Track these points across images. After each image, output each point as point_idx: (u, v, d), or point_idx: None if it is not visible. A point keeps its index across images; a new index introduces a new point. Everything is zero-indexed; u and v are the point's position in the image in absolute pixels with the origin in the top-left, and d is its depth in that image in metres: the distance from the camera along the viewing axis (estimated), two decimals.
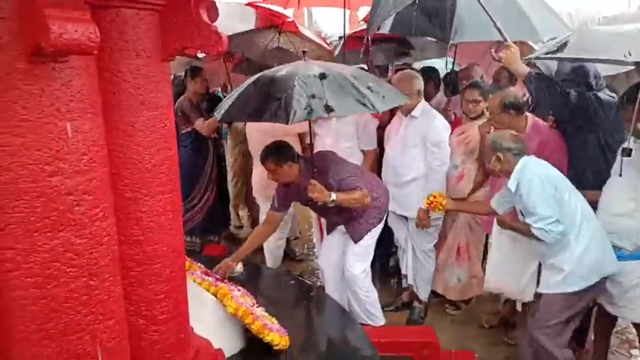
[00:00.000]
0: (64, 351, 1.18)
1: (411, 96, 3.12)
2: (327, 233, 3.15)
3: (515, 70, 2.72)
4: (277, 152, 2.75)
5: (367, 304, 3.07)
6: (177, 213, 1.51)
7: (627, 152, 2.27)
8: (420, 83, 3.22)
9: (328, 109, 2.34)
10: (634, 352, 3.15)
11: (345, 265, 3.02)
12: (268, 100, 2.47)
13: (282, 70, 2.60)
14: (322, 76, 2.45)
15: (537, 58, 2.93)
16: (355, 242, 2.97)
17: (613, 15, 6.56)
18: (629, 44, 1.94)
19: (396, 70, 4.39)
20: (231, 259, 2.71)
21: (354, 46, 4.08)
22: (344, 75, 2.51)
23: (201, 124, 3.97)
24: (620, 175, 2.33)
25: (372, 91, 2.49)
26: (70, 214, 1.12)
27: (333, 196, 2.70)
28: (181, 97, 4.04)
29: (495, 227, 2.75)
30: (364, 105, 2.42)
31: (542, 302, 2.46)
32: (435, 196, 2.93)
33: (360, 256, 3.02)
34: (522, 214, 2.43)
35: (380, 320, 3.15)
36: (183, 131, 4.01)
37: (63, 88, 1.05)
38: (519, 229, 2.49)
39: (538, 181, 2.33)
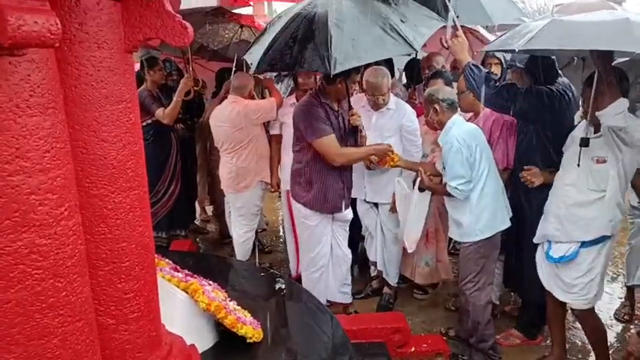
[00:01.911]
0: (30, 356, 1.14)
1: (387, 94, 3.20)
2: (311, 221, 3.10)
3: (459, 59, 2.80)
4: None
5: (345, 284, 3.31)
6: (146, 209, 1.47)
7: (585, 142, 2.36)
8: (389, 79, 3.26)
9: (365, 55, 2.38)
10: None
11: (341, 248, 3.21)
12: (305, 47, 2.45)
13: (313, 10, 2.59)
14: (357, 17, 2.47)
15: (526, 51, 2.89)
16: (347, 209, 3.13)
17: (566, 3, 6.80)
18: (630, 33, 1.95)
19: None
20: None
21: None
22: (380, 11, 2.51)
23: (162, 114, 3.88)
24: (579, 165, 2.43)
25: (406, 21, 2.53)
26: (34, 215, 1.08)
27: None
28: (139, 89, 3.93)
29: (416, 188, 3.03)
30: (405, 44, 2.46)
31: (459, 264, 2.87)
32: (391, 147, 3.04)
33: (346, 238, 3.21)
34: (444, 168, 2.73)
35: (349, 298, 3.38)
36: (144, 123, 3.90)
37: (21, 83, 1.00)
38: (435, 188, 2.86)
39: (457, 144, 2.62)
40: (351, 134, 2.98)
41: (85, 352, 1.23)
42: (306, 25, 2.63)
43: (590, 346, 3.11)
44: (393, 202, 3.31)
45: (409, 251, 3.22)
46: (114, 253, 1.38)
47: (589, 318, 2.62)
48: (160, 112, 3.89)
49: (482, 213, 2.68)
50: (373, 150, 3.00)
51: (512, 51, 2.33)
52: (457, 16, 2.73)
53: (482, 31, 4.23)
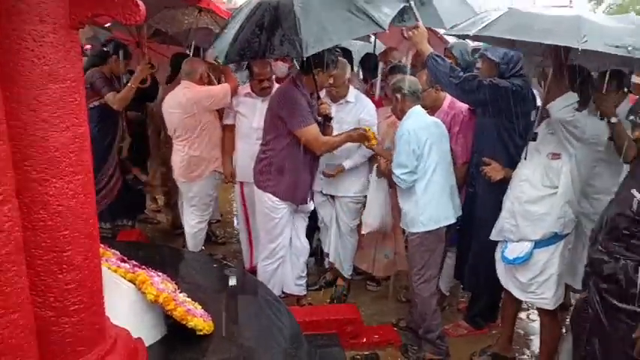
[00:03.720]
0: None
1: (343, 86, 3.21)
2: (277, 213, 3.07)
3: (420, 50, 2.83)
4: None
5: (301, 276, 3.32)
6: (90, 196, 1.39)
7: (533, 136, 2.43)
8: (348, 71, 3.26)
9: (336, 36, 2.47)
10: (533, 317, 3.48)
11: (300, 240, 3.24)
12: (273, 34, 2.48)
13: None
14: (322, 1, 2.52)
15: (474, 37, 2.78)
16: (310, 201, 3.18)
17: (521, 7, 7.03)
18: (577, 30, 1.99)
19: None
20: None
21: None
22: None
23: (112, 98, 3.70)
24: (525, 158, 2.50)
25: (370, 2, 2.58)
26: None
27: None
28: (92, 70, 3.73)
29: (373, 176, 3.14)
30: (372, 24, 2.51)
31: (408, 257, 2.94)
32: (368, 129, 3.06)
33: (304, 230, 3.24)
34: None
35: (304, 290, 3.39)
36: (90, 105, 3.67)
37: None
38: (388, 175, 2.91)
39: (407, 135, 2.68)
40: (320, 124, 3.00)
41: (19, 346, 1.16)
42: (271, 12, 2.62)
43: (530, 338, 3.27)
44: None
45: (362, 232, 3.27)
46: (54, 241, 1.30)
47: (552, 322, 2.67)
48: (110, 97, 3.70)
49: (426, 206, 2.72)
50: (349, 136, 3.03)
51: (467, 36, 2.37)
52: (416, 4, 2.77)
53: (442, 31, 4.30)
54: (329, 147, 3.03)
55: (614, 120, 2.37)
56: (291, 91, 2.91)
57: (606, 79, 2.33)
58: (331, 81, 3.05)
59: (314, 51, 2.47)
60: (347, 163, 3.33)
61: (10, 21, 1.14)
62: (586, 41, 1.94)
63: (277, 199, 3.02)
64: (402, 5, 2.74)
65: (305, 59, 2.70)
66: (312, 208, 3.31)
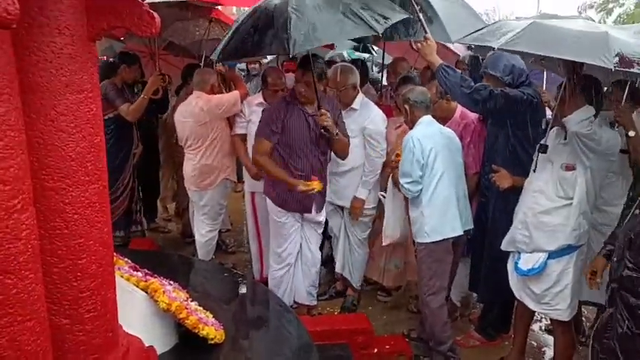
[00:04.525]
0: None
1: (347, 90, 3.18)
2: (280, 217, 3.06)
3: (430, 61, 2.80)
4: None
5: (313, 286, 3.29)
6: (105, 204, 1.41)
7: (543, 149, 2.40)
8: (355, 77, 3.27)
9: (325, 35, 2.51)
10: (546, 328, 3.43)
11: (311, 250, 3.21)
12: (265, 34, 2.55)
13: (272, 2, 2.69)
14: (317, 5, 2.54)
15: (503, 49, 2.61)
16: (319, 211, 3.12)
17: (525, 16, 7.06)
18: (608, 48, 1.93)
19: (329, 63, 4.39)
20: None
21: None
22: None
23: (126, 110, 3.76)
24: (534, 170, 2.47)
25: (367, 9, 2.60)
26: None
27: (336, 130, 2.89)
28: (105, 81, 3.80)
29: (389, 187, 3.10)
30: (365, 27, 2.51)
31: (417, 269, 2.90)
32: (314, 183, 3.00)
33: (317, 241, 3.22)
34: None
35: (314, 301, 3.36)
36: (105, 117, 3.76)
37: None
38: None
39: (411, 144, 2.68)
40: (323, 135, 2.93)
41: (35, 353, 1.17)
42: (267, 14, 2.67)
43: (544, 349, 3.22)
44: (353, 207, 3.33)
45: (383, 244, 3.24)
46: (70, 249, 1.31)
47: (566, 334, 2.62)
48: (124, 108, 3.77)
49: (431, 216, 2.70)
50: (294, 184, 2.86)
51: (492, 48, 2.33)
52: (424, 18, 2.77)
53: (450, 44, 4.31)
54: (261, 168, 3.07)
55: (632, 134, 2.34)
56: (277, 102, 3.00)
57: (626, 92, 2.29)
58: (321, 87, 2.99)
59: (302, 49, 2.49)
60: (361, 193, 3.31)
61: (31, 34, 1.17)
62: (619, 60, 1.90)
63: (276, 206, 3.05)
64: (403, 16, 2.73)
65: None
66: (322, 219, 3.25)
